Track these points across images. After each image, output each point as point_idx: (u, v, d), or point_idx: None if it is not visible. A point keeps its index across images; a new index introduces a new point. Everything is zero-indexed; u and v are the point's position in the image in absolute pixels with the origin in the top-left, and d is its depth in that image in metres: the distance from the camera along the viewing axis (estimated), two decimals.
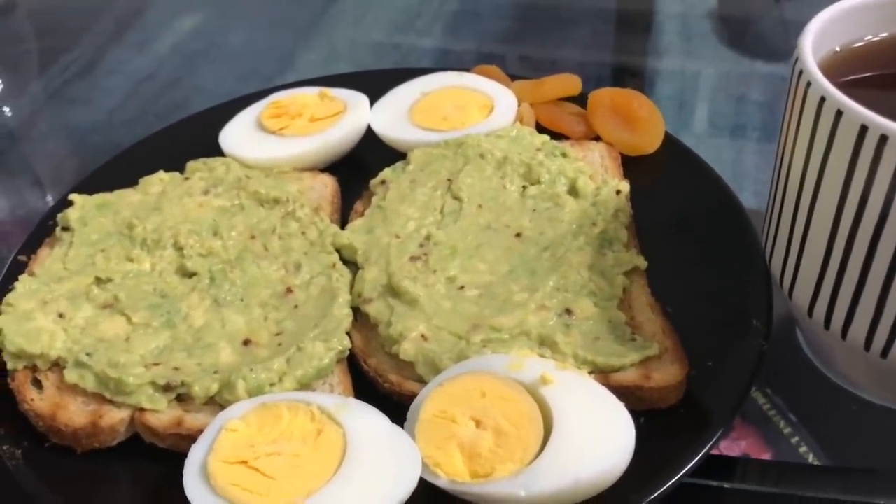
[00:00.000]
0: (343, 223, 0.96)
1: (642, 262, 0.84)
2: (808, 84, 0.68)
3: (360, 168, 1.03)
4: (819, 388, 0.85)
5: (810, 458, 0.82)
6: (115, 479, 0.74)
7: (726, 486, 0.75)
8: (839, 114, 0.65)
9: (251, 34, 1.65)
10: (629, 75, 1.51)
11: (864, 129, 0.63)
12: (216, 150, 1.03)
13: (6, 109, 1.51)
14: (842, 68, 0.73)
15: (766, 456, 0.83)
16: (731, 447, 0.83)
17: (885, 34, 0.75)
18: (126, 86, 1.50)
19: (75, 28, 1.67)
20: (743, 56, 1.47)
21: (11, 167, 1.36)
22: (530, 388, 0.69)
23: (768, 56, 1.44)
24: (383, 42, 1.60)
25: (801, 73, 0.69)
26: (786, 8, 1.58)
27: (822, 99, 0.66)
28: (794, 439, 0.83)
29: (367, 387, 0.79)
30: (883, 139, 0.62)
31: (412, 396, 0.73)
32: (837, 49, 0.75)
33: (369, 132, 1.05)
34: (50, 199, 1.25)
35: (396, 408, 0.72)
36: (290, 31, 1.64)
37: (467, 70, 1.11)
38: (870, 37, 0.75)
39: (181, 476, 0.66)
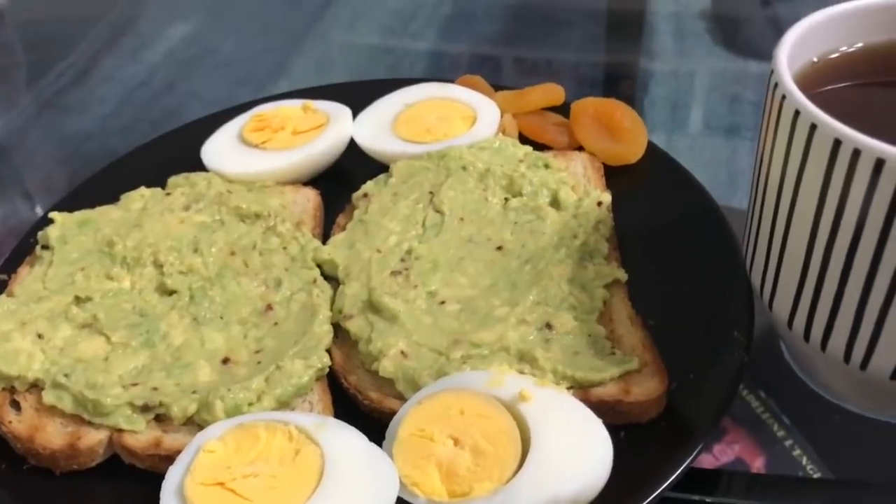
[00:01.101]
0: (326, 237, 0.95)
1: (623, 275, 0.84)
2: (783, 97, 0.67)
3: (343, 181, 1.03)
4: (802, 399, 0.85)
5: (804, 462, 0.82)
6: (95, 501, 0.74)
7: (708, 500, 0.75)
8: (813, 127, 0.64)
9: (244, 40, 1.65)
10: (623, 76, 1.51)
11: (837, 143, 0.62)
12: (199, 165, 1.03)
13: None
14: (818, 79, 0.73)
15: (760, 460, 0.82)
16: (724, 451, 0.83)
17: (860, 44, 0.75)
18: (120, 93, 1.50)
19: (67, 37, 1.67)
20: (737, 56, 1.47)
21: (2, 178, 1.36)
22: (509, 405, 0.69)
23: (762, 55, 1.44)
24: (377, 46, 1.60)
25: (776, 85, 0.69)
26: (779, 7, 1.58)
27: (797, 112, 0.66)
28: (788, 442, 0.83)
29: (347, 404, 0.78)
30: (856, 153, 0.61)
31: (392, 414, 0.72)
32: (815, 60, 0.75)
33: (352, 145, 1.05)
34: (39, 210, 1.25)
35: (377, 425, 0.72)
36: (283, 37, 1.64)
37: (451, 81, 1.11)
38: (845, 48, 0.75)
39: (160, 498, 0.66)
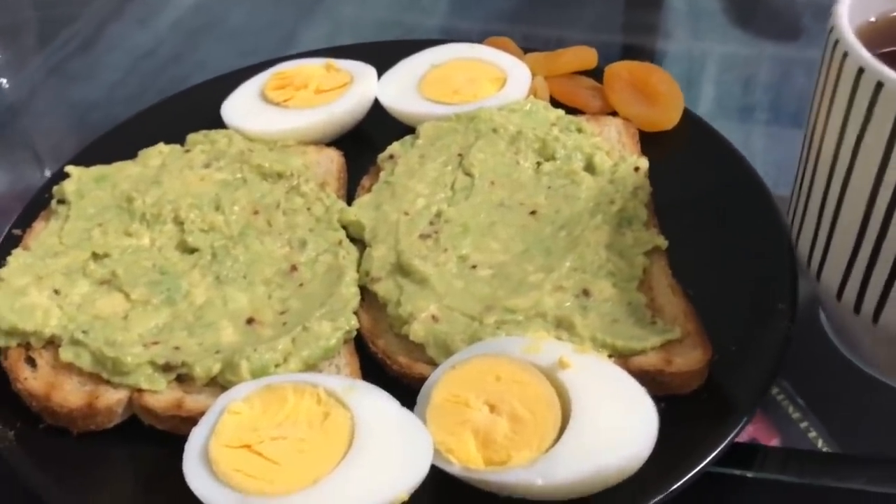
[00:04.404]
0: (349, 199, 0.92)
1: (663, 242, 0.81)
2: (845, 54, 0.64)
3: (366, 142, 1.00)
4: (842, 374, 0.82)
5: (819, 444, 0.79)
6: (112, 462, 0.71)
7: (749, 475, 0.72)
8: (879, 85, 0.61)
9: (253, 10, 1.62)
10: (636, 55, 1.48)
11: None
12: (217, 123, 1.00)
13: (3, 81, 1.48)
14: (878, 39, 0.69)
15: (774, 441, 0.80)
16: None
17: None
18: (127, 62, 1.47)
19: (75, 2, 1.63)
20: (752, 37, 1.44)
21: (10, 141, 1.33)
22: (547, 372, 0.66)
23: (777, 37, 1.41)
24: (387, 20, 1.58)
25: (836, 42, 0.66)
26: None
27: (861, 70, 0.63)
28: (803, 424, 0.80)
29: (374, 369, 0.76)
30: None
31: (422, 379, 0.70)
32: (873, 19, 0.71)
33: (376, 105, 1.02)
34: (48, 174, 1.22)
35: (406, 391, 0.69)
36: (292, 8, 1.61)
37: (479, 42, 1.08)
38: None
39: (181, 458, 0.63)
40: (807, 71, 1.29)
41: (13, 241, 0.87)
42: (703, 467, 0.65)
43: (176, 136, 0.98)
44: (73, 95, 1.41)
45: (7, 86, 1.47)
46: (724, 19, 1.51)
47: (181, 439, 0.65)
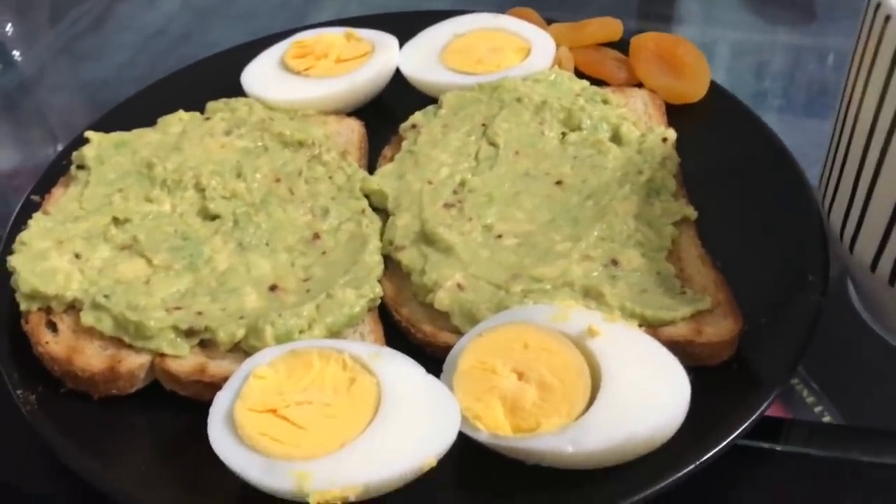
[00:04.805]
0: (370, 170, 0.91)
1: (692, 213, 0.80)
2: (888, 18, 0.63)
3: (387, 113, 0.99)
4: (871, 347, 0.81)
5: None
6: (134, 427, 0.70)
7: (778, 448, 0.71)
8: None
9: None
10: None
11: None
12: (236, 92, 0.99)
13: (16, 53, 1.47)
14: None
15: None
16: None
17: None
18: (136, 41, 1.47)
19: None
20: (765, 23, 1.43)
21: (23, 118, 1.33)
22: (576, 340, 0.65)
23: (790, 23, 1.41)
24: (396, 4, 1.56)
25: (878, 6, 0.64)
26: None
27: None
28: (818, 409, 0.79)
29: (398, 337, 0.75)
30: None
31: (447, 348, 0.69)
32: None
33: (398, 75, 1.01)
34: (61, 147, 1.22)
35: (429, 360, 0.68)
36: None
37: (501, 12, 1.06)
38: None
39: (202, 425, 0.63)
40: (819, 58, 1.29)
41: (31, 208, 0.86)
42: (733, 439, 0.64)
43: (194, 105, 0.97)
44: (84, 74, 1.41)
45: (20, 58, 1.46)
46: (737, 5, 1.49)
47: (201, 406, 0.65)
